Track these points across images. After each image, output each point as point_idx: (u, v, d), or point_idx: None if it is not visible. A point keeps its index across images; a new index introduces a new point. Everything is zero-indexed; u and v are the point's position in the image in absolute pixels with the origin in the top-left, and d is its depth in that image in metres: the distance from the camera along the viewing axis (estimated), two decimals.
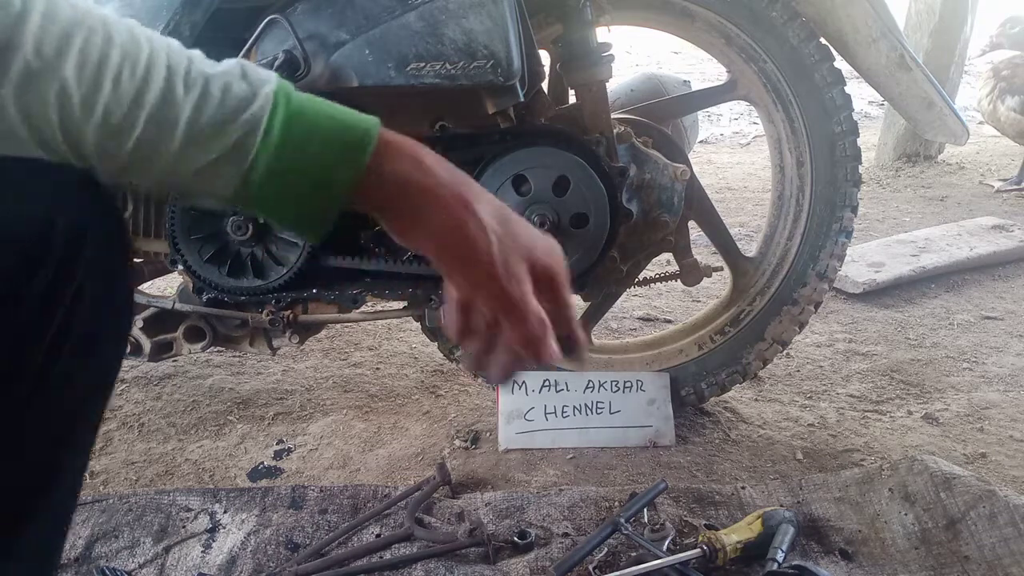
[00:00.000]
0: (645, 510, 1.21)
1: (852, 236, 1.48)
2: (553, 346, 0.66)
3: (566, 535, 1.19)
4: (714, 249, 1.63)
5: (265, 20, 1.12)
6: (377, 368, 1.84)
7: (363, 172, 0.61)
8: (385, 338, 1.98)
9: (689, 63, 5.69)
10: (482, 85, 1.16)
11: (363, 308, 1.40)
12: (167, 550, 1.18)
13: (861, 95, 4.45)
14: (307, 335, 1.42)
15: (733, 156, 3.90)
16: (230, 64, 0.60)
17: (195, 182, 0.60)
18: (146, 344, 1.38)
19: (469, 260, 0.63)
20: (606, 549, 1.15)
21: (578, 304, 1.94)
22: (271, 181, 0.60)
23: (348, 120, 0.62)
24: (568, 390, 1.50)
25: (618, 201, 1.30)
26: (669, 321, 2.03)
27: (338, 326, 1.98)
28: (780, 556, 1.10)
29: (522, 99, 1.21)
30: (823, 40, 1.39)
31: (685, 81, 2.73)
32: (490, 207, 0.65)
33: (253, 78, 0.60)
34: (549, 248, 0.69)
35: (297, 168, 0.60)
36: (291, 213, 0.63)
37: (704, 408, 1.61)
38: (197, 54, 0.60)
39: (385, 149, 0.62)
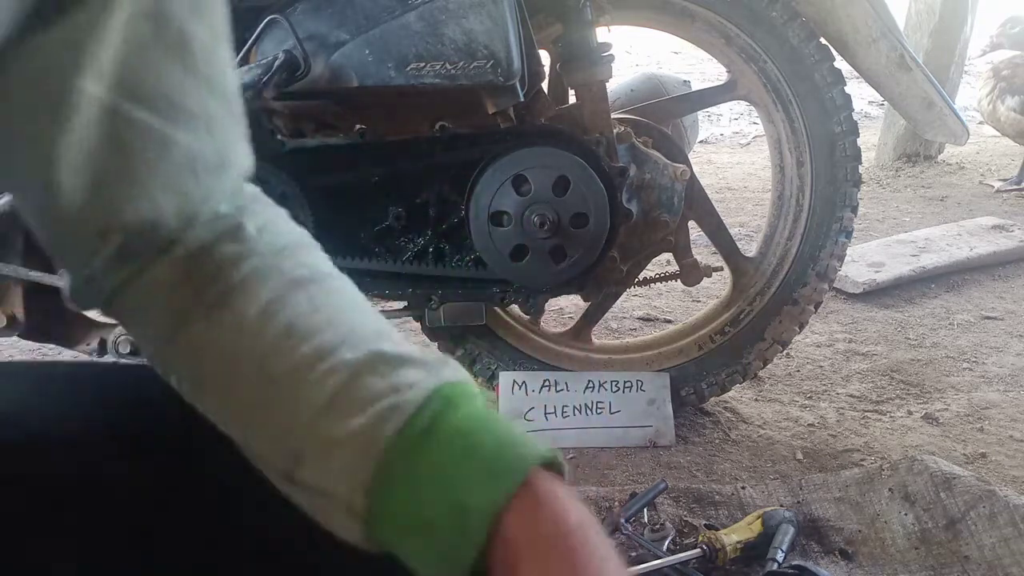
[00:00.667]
0: (645, 510, 1.21)
1: (852, 236, 1.48)
2: None
3: None
4: (714, 249, 1.63)
5: (265, 20, 1.12)
6: None
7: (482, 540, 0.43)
8: None
9: (689, 63, 5.69)
10: (482, 85, 1.16)
11: None
12: None
13: (861, 95, 4.45)
14: None
15: (733, 156, 3.90)
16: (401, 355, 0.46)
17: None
18: None
19: None
20: None
21: (578, 304, 1.94)
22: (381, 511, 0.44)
23: (486, 468, 0.44)
24: (568, 390, 1.50)
25: (618, 201, 1.30)
26: (669, 321, 2.03)
27: None
28: (780, 556, 1.10)
29: (522, 99, 1.22)
30: (823, 40, 1.39)
31: (685, 81, 2.73)
32: None
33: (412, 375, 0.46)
34: None
35: (406, 514, 0.44)
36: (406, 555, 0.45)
37: (704, 408, 1.61)
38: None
39: (516, 507, 0.44)
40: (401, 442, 0.43)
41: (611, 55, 1.34)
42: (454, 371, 0.48)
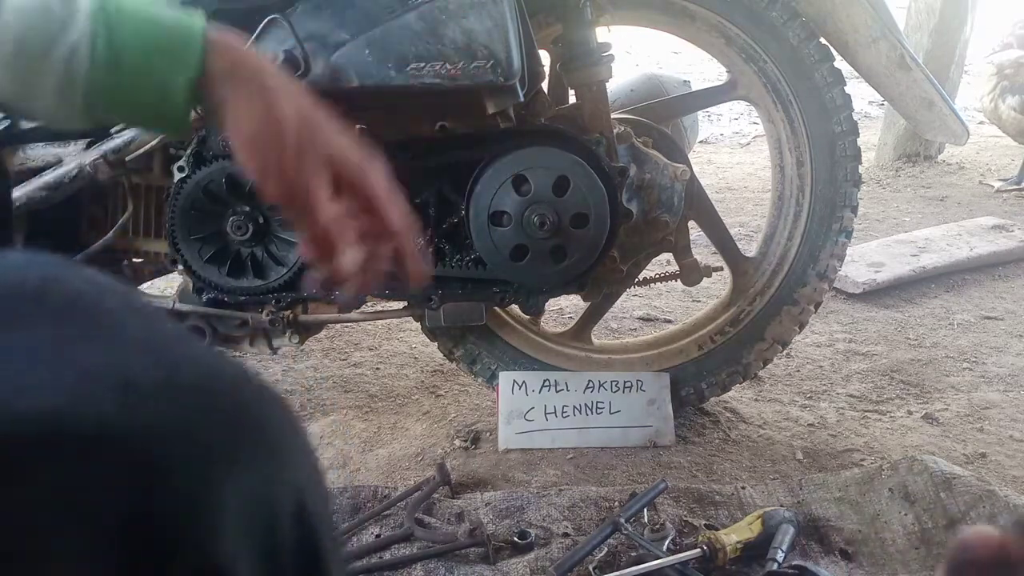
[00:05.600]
0: (645, 510, 1.21)
1: (852, 236, 1.48)
2: (350, 257, 0.68)
3: (566, 535, 1.19)
4: (714, 249, 1.63)
5: (265, 20, 1.12)
6: (377, 368, 1.84)
7: (196, 75, 0.65)
8: (385, 338, 1.98)
9: (689, 63, 5.68)
10: (482, 85, 1.16)
11: (363, 308, 1.40)
12: None
13: (861, 95, 4.44)
14: (307, 335, 1.42)
15: (733, 156, 3.90)
16: None
17: (38, 109, 0.65)
18: None
19: (260, 146, 0.67)
20: (606, 549, 1.15)
21: (578, 304, 1.94)
22: (109, 99, 0.64)
23: (174, 26, 0.65)
24: (568, 390, 1.50)
25: (618, 201, 1.30)
26: (669, 321, 2.03)
27: (338, 326, 1.98)
28: (780, 556, 1.10)
29: (522, 99, 1.21)
30: (823, 40, 1.39)
31: (685, 81, 2.73)
32: (297, 104, 0.68)
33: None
34: (360, 160, 0.71)
35: (132, 84, 0.64)
36: (140, 121, 0.70)
37: (704, 408, 1.61)
38: None
39: (211, 48, 0.66)
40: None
41: (611, 55, 1.34)
42: None
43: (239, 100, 0.67)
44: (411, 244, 0.74)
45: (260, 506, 0.37)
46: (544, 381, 1.50)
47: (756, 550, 1.12)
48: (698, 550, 1.11)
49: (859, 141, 1.43)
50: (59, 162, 1.21)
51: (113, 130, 1.18)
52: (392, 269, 0.73)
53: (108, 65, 0.62)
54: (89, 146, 1.20)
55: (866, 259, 2.33)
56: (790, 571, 1.07)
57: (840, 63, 1.41)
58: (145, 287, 1.53)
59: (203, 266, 1.29)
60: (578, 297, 1.47)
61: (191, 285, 1.33)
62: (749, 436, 1.54)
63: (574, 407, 1.49)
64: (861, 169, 1.45)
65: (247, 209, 1.26)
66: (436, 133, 1.27)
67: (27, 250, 0.46)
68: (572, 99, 1.39)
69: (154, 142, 1.16)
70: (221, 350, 0.41)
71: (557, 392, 1.50)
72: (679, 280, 1.52)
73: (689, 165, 1.40)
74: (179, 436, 0.36)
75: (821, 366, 1.84)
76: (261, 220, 1.27)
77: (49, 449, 0.34)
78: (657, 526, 1.18)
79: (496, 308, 1.49)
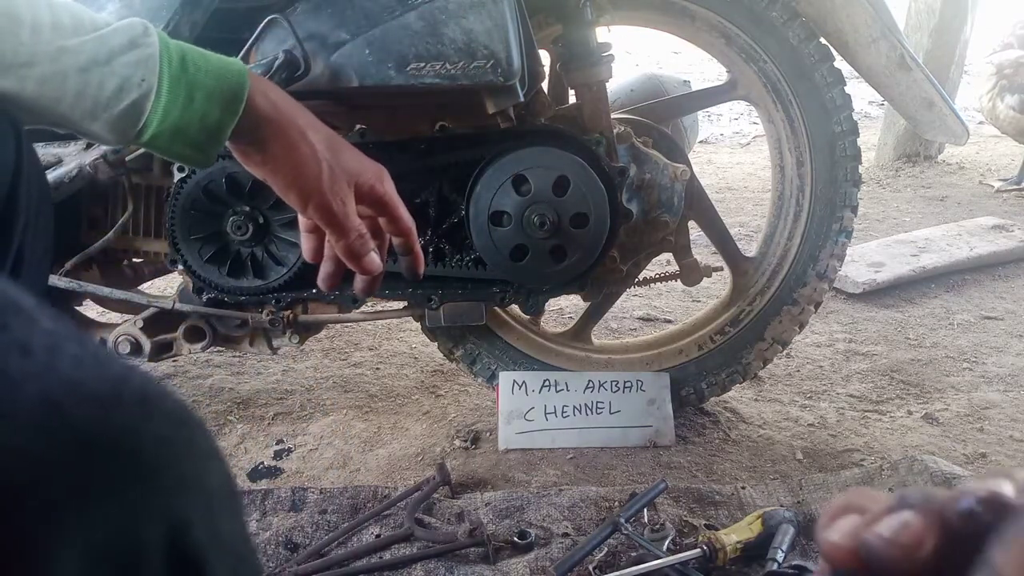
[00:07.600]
0: (645, 510, 1.21)
1: (852, 236, 1.48)
2: (374, 259, 0.81)
3: (566, 535, 1.19)
4: (714, 249, 1.63)
5: (265, 20, 1.12)
6: (377, 368, 1.84)
7: (241, 116, 0.72)
8: (385, 338, 1.98)
9: (689, 63, 5.69)
10: (482, 85, 1.16)
11: (363, 308, 1.40)
12: None
13: (861, 95, 4.45)
14: (307, 335, 1.42)
15: (733, 156, 3.90)
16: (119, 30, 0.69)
17: (90, 132, 0.71)
18: (146, 344, 1.38)
19: (302, 178, 0.75)
20: (606, 549, 1.15)
21: (578, 304, 1.94)
22: (163, 135, 0.71)
23: (226, 71, 0.72)
24: (568, 390, 1.50)
25: (618, 201, 1.30)
26: (669, 321, 2.03)
27: (338, 326, 1.98)
28: (780, 556, 1.10)
29: (522, 99, 1.21)
30: (823, 40, 1.39)
31: (685, 81, 2.74)
32: (321, 135, 0.77)
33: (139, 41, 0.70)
34: (375, 172, 0.82)
35: (189, 124, 0.71)
36: (174, 154, 0.73)
37: (704, 408, 1.61)
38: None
39: (253, 92, 0.73)
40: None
41: (611, 55, 1.34)
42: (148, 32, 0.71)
43: (278, 139, 0.74)
44: (416, 240, 0.88)
45: (115, 540, 0.32)
46: (544, 381, 1.50)
47: (756, 550, 1.12)
48: (698, 550, 1.11)
49: (859, 141, 1.43)
50: (59, 162, 1.21)
51: None
52: (404, 263, 0.89)
53: (166, 107, 0.69)
54: (89, 146, 1.20)
55: (866, 259, 2.33)
56: (790, 571, 1.07)
57: (840, 63, 1.41)
58: (145, 287, 1.53)
59: (203, 266, 1.29)
60: (578, 297, 1.47)
61: (191, 285, 1.33)
62: (749, 436, 1.54)
63: (574, 407, 1.49)
64: (861, 169, 1.45)
65: (247, 209, 1.26)
66: (436, 133, 1.27)
67: None
68: (572, 99, 1.39)
69: None
70: (109, 359, 0.33)
71: (557, 392, 1.50)
72: (679, 280, 1.52)
73: (689, 165, 1.40)
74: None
75: (821, 366, 1.84)
76: (261, 220, 1.27)
77: None
78: (657, 526, 1.18)
79: (496, 308, 1.49)
